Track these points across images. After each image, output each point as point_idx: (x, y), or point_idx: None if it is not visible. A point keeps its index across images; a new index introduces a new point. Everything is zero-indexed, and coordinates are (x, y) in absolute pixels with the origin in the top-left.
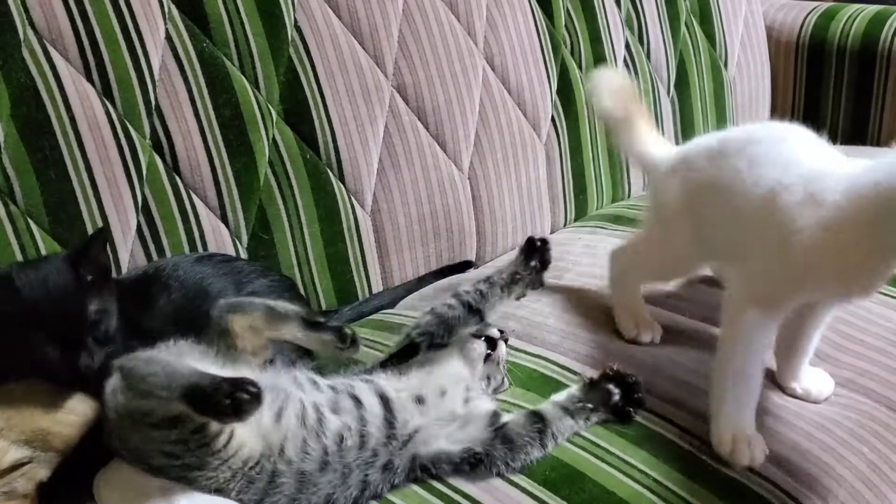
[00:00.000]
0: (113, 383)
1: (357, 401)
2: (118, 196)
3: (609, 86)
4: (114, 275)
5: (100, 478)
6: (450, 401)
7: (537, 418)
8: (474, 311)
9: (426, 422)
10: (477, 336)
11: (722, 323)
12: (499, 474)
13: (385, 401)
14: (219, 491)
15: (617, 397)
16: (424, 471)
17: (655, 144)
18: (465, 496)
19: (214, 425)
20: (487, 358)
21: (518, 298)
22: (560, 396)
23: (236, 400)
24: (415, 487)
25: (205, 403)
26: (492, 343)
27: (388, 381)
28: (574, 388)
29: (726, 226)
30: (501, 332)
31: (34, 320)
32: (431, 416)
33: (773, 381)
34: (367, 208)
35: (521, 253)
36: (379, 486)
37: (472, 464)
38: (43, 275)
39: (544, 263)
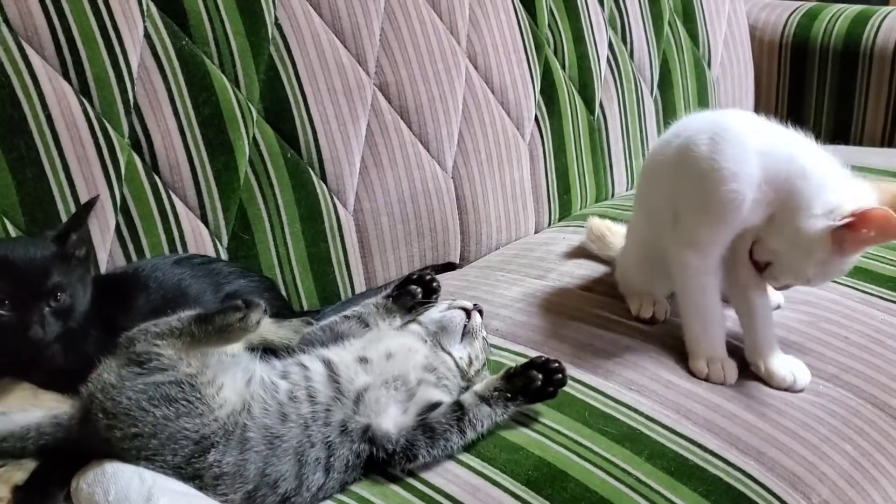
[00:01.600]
0: (108, 363)
1: (303, 366)
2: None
3: (588, 233)
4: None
5: (78, 479)
6: (397, 364)
7: (457, 407)
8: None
9: (372, 379)
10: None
11: (672, 276)
12: (425, 463)
13: (328, 363)
14: (204, 440)
15: (539, 382)
16: (377, 446)
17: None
18: (447, 496)
19: (208, 373)
20: (465, 330)
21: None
22: (479, 386)
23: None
24: (395, 487)
25: (216, 316)
26: (467, 314)
27: (331, 350)
28: (494, 378)
29: (661, 194)
30: (474, 305)
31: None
32: (377, 375)
33: (761, 380)
34: (350, 208)
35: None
36: (344, 454)
37: (403, 448)
38: (21, 244)
39: (428, 293)
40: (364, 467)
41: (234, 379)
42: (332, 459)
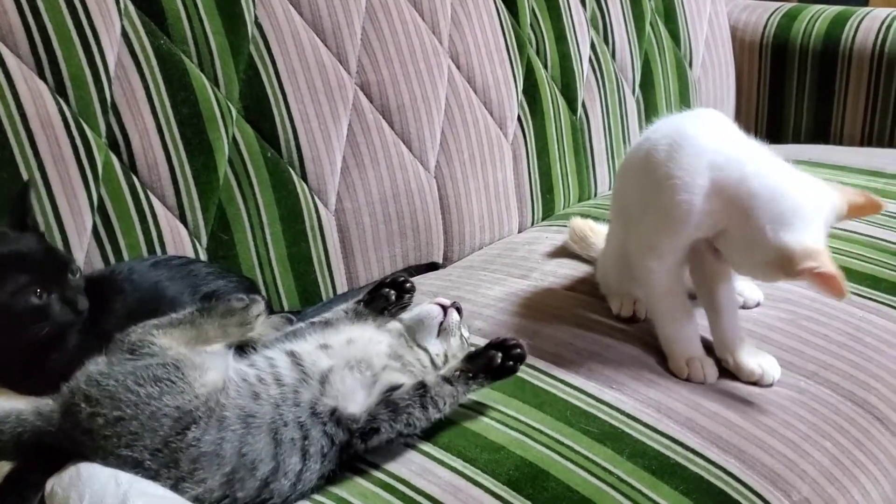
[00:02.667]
0: (95, 359)
1: (267, 357)
2: (73, 196)
3: (571, 233)
4: None
5: (52, 483)
6: (358, 349)
7: (420, 385)
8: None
9: (335, 362)
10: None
11: (637, 280)
12: (388, 439)
13: (290, 353)
14: (187, 415)
15: (499, 359)
16: (343, 427)
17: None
18: (428, 497)
19: (196, 360)
20: (441, 327)
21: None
22: (443, 371)
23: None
24: (375, 489)
25: (219, 304)
26: (444, 310)
27: (293, 343)
28: (456, 362)
29: (631, 195)
30: (453, 302)
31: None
32: (340, 358)
33: (741, 380)
34: (331, 208)
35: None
36: (318, 437)
37: (366, 431)
38: (13, 237)
39: (400, 294)
40: (342, 468)
41: (216, 366)
42: (306, 443)
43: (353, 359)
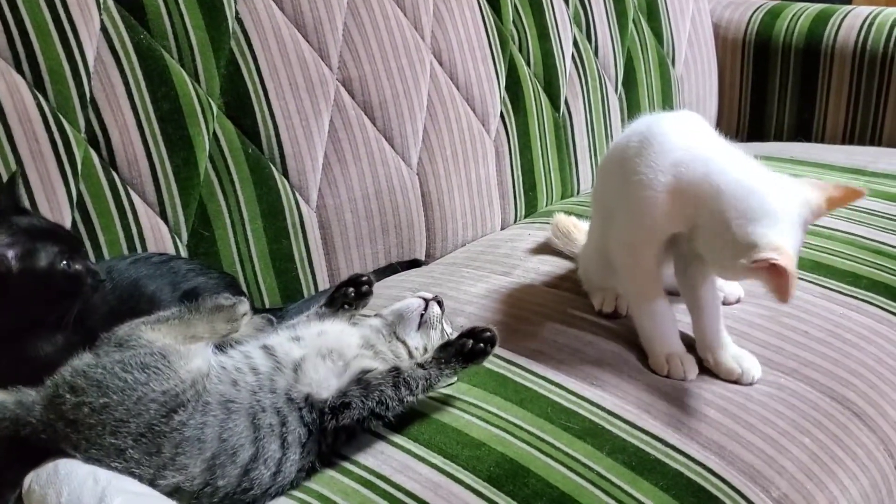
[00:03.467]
0: (80, 354)
1: (244, 352)
2: (51, 192)
3: (554, 229)
4: None
5: (30, 480)
6: (329, 339)
7: (393, 369)
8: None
9: (306, 352)
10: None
11: (616, 276)
12: (360, 419)
13: (264, 346)
14: (174, 398)
15: (469, 344)
16: (318, 414)
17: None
18: (408, 493)
19: (182, 350)
20: (422, 319)
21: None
22: (418, 359)
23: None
24: (356, 485)
25: (207, 300)
26: (425, 303)
27: (266, 338)
28: (431, 351)
29: (609, 192)
30: (435, 296)
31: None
32: (311, 348)
33: (721, 378)
34: (313, 204)
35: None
36: (295, 426)
37: (337, 406)
38: (25, 214)
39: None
40: (322, 462)
41: (200, 355)
42: (284, 430)
43: (324, 348)
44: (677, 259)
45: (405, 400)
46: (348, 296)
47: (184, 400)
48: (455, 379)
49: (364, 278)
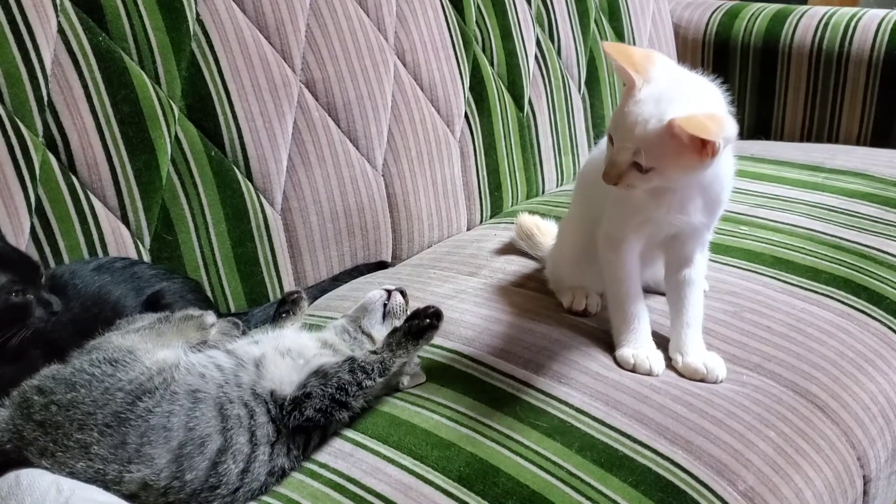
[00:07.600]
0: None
1: (208, 355)
2: (9, 197)
3: (517, 230)
4: None
5: None
6: (287, 340)
7: (348, 358)
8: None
9: (265, 350)
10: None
11: (602, 274)
12: (322, 408)
13: (227, 350)
14: (139, 387)
15: (416, 323)
16: (280, 408)
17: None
18: (378, 496)
19: (149, 346)
20: (385, 310)
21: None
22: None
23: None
24: (326, 489)
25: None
26: (388, 294)
27: (228, 344)
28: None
29: (596, 189)
30: (398, 287)
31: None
32: (270, 347)
33: (686, 378)
34: (277, 207)
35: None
36: (263, 420)
37: (299, 397)
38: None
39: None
40: (292, 466)
41: (169, 347)
42: (253, 423)
43: (282, 347)
44: (669, 261)
45: (364, 384)
46: (285, 309)
47: (150, 387)
48: (424, 379)
49: (296, 293)
